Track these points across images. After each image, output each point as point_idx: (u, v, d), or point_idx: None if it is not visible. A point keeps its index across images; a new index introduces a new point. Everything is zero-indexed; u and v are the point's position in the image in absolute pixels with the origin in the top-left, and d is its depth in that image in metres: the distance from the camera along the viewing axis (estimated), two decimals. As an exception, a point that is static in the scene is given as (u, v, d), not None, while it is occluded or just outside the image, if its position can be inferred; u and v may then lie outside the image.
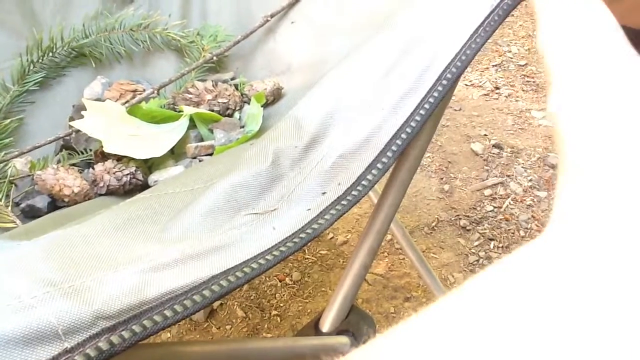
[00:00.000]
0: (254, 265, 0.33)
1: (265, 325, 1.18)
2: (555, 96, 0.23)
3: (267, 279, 1.27)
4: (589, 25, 0.25)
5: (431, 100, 0.45)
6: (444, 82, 0.46)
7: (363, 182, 0.41)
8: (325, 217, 0.38)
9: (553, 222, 0.19)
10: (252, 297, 1.24)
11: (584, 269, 0.16)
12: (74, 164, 0.64)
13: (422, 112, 0.45)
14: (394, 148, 0.43)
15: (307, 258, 1.31)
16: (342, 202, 0.40)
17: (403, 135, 0.44)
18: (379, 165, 0.42)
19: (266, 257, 0.34)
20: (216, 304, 1.23)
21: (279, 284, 1.26)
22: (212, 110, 0.67)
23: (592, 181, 0.19)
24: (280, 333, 1.16)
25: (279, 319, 1.20)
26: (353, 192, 0.40)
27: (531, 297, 0.16)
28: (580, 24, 0.25)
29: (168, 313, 0.29)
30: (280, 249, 0.35)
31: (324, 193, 0.40)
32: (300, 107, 0.46)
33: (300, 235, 0.37)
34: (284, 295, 1.24)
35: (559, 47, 0.25)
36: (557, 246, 0.18)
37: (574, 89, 0.23)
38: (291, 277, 1.27)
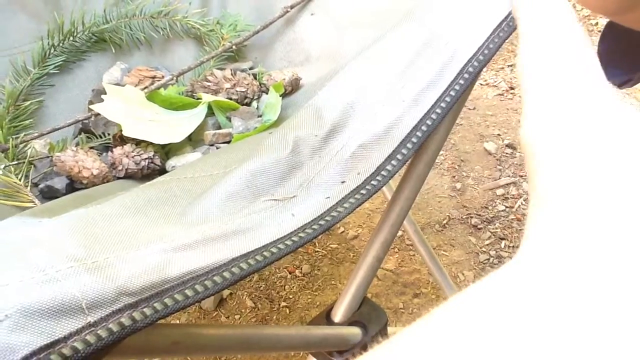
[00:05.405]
0: (273, 250, 0.34)
1: (274, 316, 1.19)
2: (527, 122, 0.23)
3: (277, 270, 1.28)
4: (565, 50, 0.25)
5: (452, 93, 0.45)
6: (465, 76, 0.46)
7: (382, 173, 0.41)
8: (344, 205, 0.39)
9: (524, 248, 0.19)
10: (261, 288, 1.25)
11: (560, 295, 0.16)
12: (92, 148, 0.65)
13: (442, 105, 0.45)
14: (413, 140, 0.43)
15: (318, 251, 1.31)
16: (361, 192, 0.40)
17: (423, 128, 0.44)
18: (399, 157, 0.42)
19: (285, 242, 0.35)
20: (226, 293, 1.24)
21: (289, 275, 1.27)
22: (230, 99, 0.67)
23: (561, 211, 0.19)
24: (289, 324, 1.17)
25: (287, 310, 1.20)
26: (372, 182, 0.40)
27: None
28: (557, 49, 0.25)
29: (189, 292, 0.29)
30: (300, 234, 0.35)
31: (343, 182, 0.40)
32: (320, 97, 0.46)
33: (320, 222, 0.37)
34: (293, 287, 1.24)
35: (534, 72, 0.25)
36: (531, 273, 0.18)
37: (548, 116, 0.23)
38: (301, 269, 1.27)
